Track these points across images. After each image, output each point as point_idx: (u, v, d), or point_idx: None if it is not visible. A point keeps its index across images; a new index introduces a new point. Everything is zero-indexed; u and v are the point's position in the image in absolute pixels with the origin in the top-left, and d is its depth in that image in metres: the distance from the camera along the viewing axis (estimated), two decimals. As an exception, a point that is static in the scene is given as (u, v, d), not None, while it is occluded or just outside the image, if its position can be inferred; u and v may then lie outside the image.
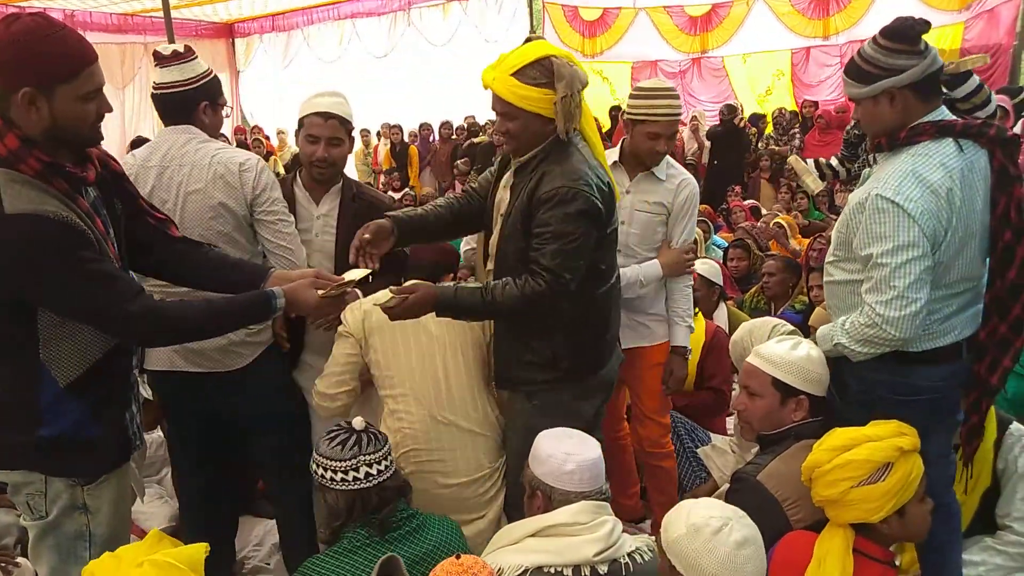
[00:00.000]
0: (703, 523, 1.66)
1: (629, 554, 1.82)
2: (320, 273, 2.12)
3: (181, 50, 2.52)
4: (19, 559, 2.74)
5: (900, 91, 2.04)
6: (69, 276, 1.68)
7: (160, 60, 2.50)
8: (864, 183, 2.14)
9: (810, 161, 4.44)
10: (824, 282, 2.32)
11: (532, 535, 1.83)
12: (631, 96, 2.80)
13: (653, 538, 1.98)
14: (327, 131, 2.54)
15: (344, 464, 1.91)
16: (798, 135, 9.74)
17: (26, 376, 1.77)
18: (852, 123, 3.80)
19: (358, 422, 1.97)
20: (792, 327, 3.12)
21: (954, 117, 2.11)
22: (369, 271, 2.17)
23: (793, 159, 4.66)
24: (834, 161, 4.10)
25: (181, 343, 2.18)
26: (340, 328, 2.47)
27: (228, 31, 14.13)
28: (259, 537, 3.24)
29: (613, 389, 2.61)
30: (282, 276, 2.13)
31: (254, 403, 2.56)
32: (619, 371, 2.72)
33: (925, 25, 2.04)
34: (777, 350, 2.26)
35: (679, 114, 2.80)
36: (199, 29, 13.48)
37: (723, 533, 1.64)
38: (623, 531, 1.87)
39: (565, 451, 1.89)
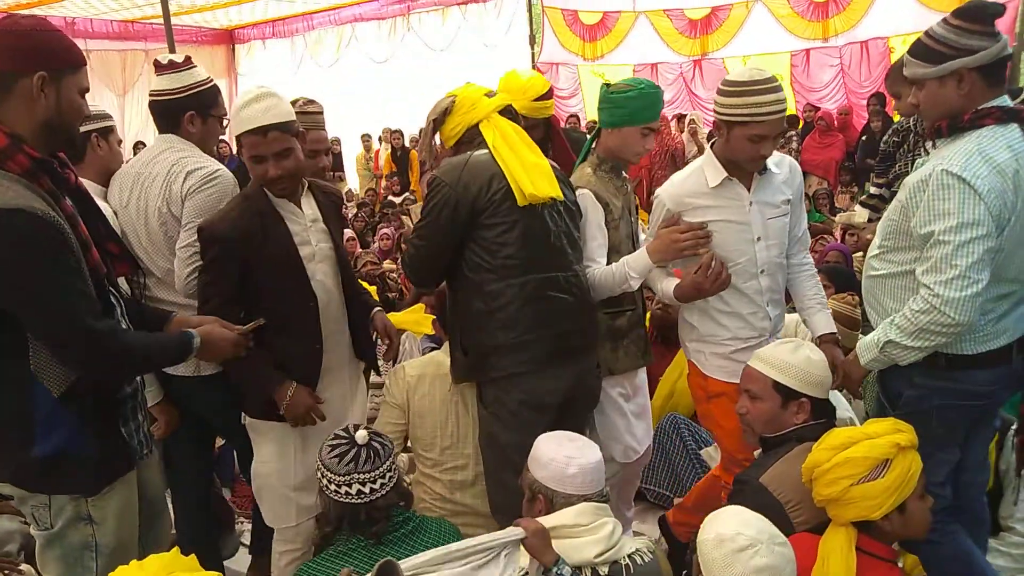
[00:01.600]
0: (730, 537, 1.65)
1: (629, 555, 1.83)
2: (220, 320, 2.15)
3: (179, 60, 2.57)
4: (22, 566, 2.74)
5: (969, 72, 1.97)
6: (46, 278, 1.66)
7: (158, 68, 2.56)
8: (919, 168, 2.06)
9: (858, 207, 4.26)
10: (865, 278, 2.22)
11: (533, 537, 1.83)
12: (723, 93, 2.38)
13: (653, 539, 1.99)
14: (271, 147, 2.22)
15: (338, 478, 1.90)
16: (795, 138, 9.74)
17: (19, 388, 1.75)
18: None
19: (361, 436, 1.95)
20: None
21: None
22: (263, 321, 2.22)
23: (839, 217, 4.48)
24: (872, 189, 3.89)
25: (120, 375, 1.95)
26: (386, 397, 2.67)
27: (228, 37, 14.17)
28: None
29: (576, 414, 2.51)
30: (182, 321, 2.12)
31: (219, 410, 2.61)
32: None
33: (1000, 8, 2.00)
34: (777, 353, 2.24)
35: (785, 108, 2.37)
36: (199, 35, 13.52)
37: (746, 554, 1.62)
38: (623, 533, 1.87)
39: (567, 455, 1.90)
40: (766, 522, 1.72)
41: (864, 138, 8.77)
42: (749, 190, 2.47)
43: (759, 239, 2.47)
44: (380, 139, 12.26)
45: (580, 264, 2.51)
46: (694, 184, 2.49)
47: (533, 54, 11.88)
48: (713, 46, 11.81)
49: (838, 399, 2.62)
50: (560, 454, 1.90)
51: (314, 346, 2.38)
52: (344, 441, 1.95)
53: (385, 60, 12.81)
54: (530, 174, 2.31)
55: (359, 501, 1.89)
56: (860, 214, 4.04)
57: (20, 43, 1.67)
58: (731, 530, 1.66)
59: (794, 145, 9.66)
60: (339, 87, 13.53)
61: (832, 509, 1.90)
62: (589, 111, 11.98)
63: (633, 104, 2.59)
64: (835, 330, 2.62)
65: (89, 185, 2.31)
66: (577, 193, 2.59)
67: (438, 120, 2.43)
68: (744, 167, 2.43)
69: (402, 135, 11.54)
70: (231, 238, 2.24)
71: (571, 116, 10.74)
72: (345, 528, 1.92)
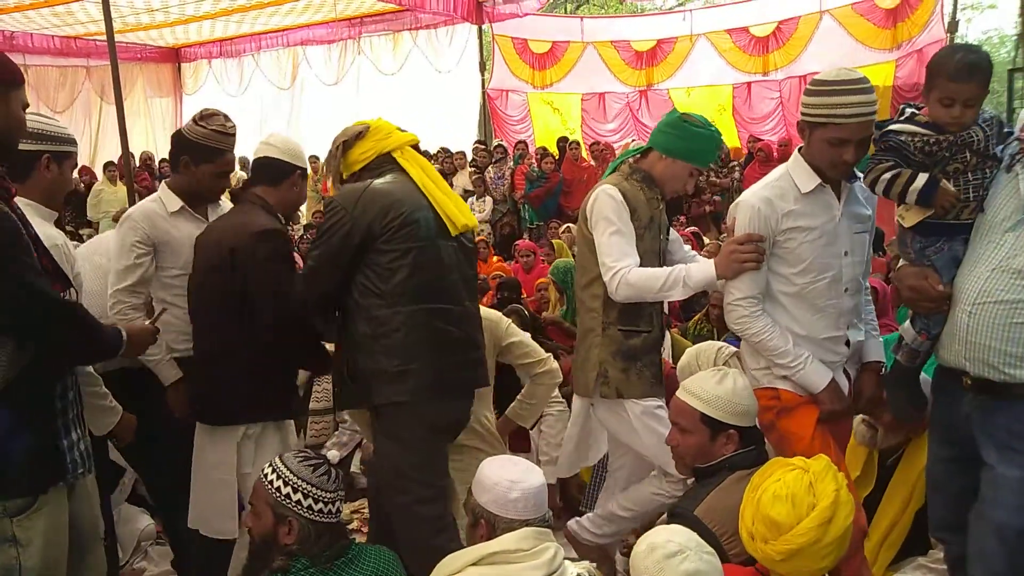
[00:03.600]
0: (660, 544, 1.67)
1: (571, 580, 1.83)
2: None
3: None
4: None
5: None
6: (16, 259, 1.78)
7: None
8: None
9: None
10: (1011, 322, 1.93)
11: (474, 564, 1.81)
12: (808, 92, 2.19)
13: (595, 564, 2.00)
14: None
15: (327, 495, 1.90)
16: (738, 168, 10.01)
17: None
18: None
19: (333, 456, 1.95)
20: (735, 349, 3.17)
21: None
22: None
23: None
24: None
25: (85, 349, 2.04)
26: None
27: (174, 56, 13.98)
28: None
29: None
30: None
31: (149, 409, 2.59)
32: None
33: None
34: (703, 384, 2.22)
35: (874, 112, 2.15)
36: (144, 53, 13.31)
37: (675, 559, 1.64)
38: (565, 557, 1.87)
39: (510, 479, 1.89)
40: (695, 534, 1.75)
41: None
42: (839, 200, 2.29)
43: (846, 253, 2.29)
44: (328, 161, 12.17)
45: (472, 301, 2.54)
46: (784, 188, 2.29)
47: (483, 81, 12.01)
48: (658, 77, 12.12)
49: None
50: (503, 478, 1.89)
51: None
52: (320, 461, 1.94)
53: (336, 83, 12.78)
54: (455, 203, 2.41)
55: (334, 520, 1.91)
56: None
57: None
58: (662, 538, 1.70)
59: (737, 175, 9.92)
60: (288, 109, 13.44)
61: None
62: (538, 138, 12.13)
63: (700, 143, 2.56)
64: (883, 359, 2.44)
65: (34, 207, 2.29)
66: (599, 190, 2.56)
67: (348, 143, 2.44)
68: (826, 174, 2.24)
69: (351, 158, 11.47)
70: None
71: (519, 143, 10.84)
72: (298, 553, 1.88)
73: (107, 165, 10.40)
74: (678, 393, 2.28)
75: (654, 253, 2.60)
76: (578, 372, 2.71)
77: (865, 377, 2.44)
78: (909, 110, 2.16)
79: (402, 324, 2.31)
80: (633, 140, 11.06)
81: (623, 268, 2.46)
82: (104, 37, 6.50)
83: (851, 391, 2.43)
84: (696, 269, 2.42)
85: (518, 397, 3.15)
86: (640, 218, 2.54)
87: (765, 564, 1.88)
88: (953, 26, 9.04)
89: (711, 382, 2.21)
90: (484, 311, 3.03)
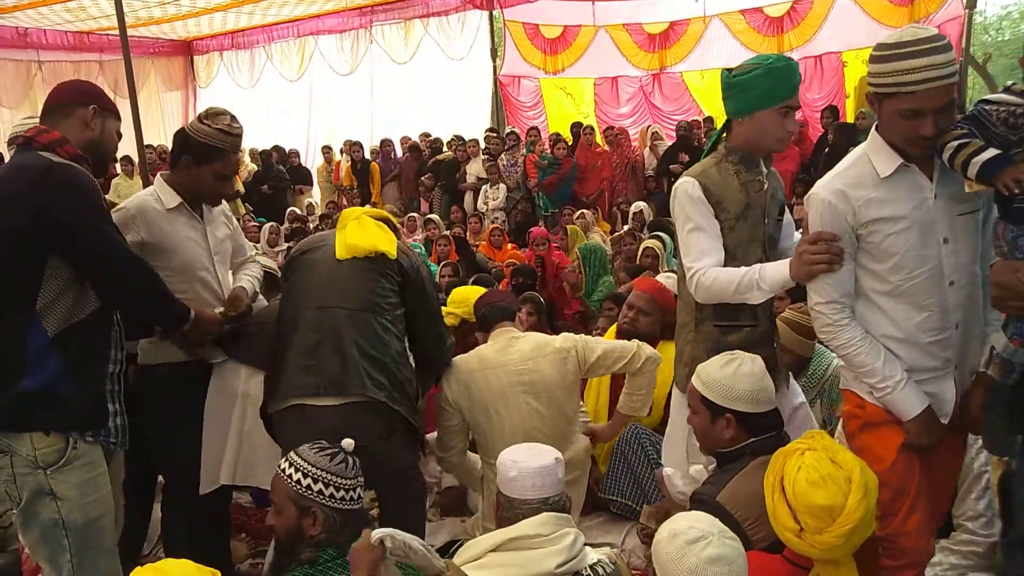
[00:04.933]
0: (683, 530, 1.68)
1: (591, 566, 1.84)
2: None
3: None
4: None
5: None
6: (102, 214, 2.12)
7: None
8: None
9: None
10: None
11: (494, 550, 1.84)
12: (872, 59, 1.91)
13: (616, 551, 2.01)
14: None
15: (347, 482, 1.93)
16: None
17: (22, 324, 1.98)
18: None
19: (348, 444, 1.98)
20: None
21: None
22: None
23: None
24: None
25: (147, 309, 2.32)
26: (441, 402, 2.93)
27: (187, 48, 14.02)
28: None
29: (383, 497, 2.61)
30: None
31: (150, 405, 2.61)
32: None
33: None
34: (708, 367, 2.20)
35: (953, 74, 1.84)
36: (156, 47, 13.36)
37: (698, 545, 1.64)
38: (585, 544, 1.88)
39: (513, 459, 1.95)
40: (717, 520, 1.75)
41: (827, 150, 8.90)
42: (931, 179, 1.98)
43: (946, 241, 1.97)
44: (341, 151, 12.19)
45: (366, 312, 2.55)
46: (860, 174, 2.01)
47: (495, 67, 11.96)
48: (671, 60, 12.00)
49: (795, 391, 2.60)
50: (508, 458, 1.96)
51: None
52: (336, 450, 1.97)
53: (349, 72, 12.77)
54: (365, 232, 2.67)
55: (356, 507, 1.95)
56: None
57: (81, 87, 2.32)
58: (683, 525, 1.70)
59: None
60: (301, 100, 13.45)
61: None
62: (551, 124, 12.08)
63: (763, 83, 2.24)
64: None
65: None
66: (677, 183, 2.37)
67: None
68: (906, 150, 1.95)
69: (361, 147, 11.46)
70: None
71: (532, 129, 10.79)
72: (325, 543, 1.90)
73: (124, 159, 10.47)
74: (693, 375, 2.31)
75: (755, 241, 2.35)
76: (676, 366, 2.59)
77: (975, 389, 2.08)
78: (1010, 83, 1.97)
79: (280, 331, 2.62)
80: (648, 125, 11.03)
81: (699, 270, 2.28)
82: (117, 31, 6.52)
83: (958, 406, 2.10)
84: (770, 270, 2.17)
85: (624, 391, 3.09)
86: (728, 208, 2.30)
87: (824, 555, 1.85)
88: (972, 2, 8.86)
89: (716, 365, 2.20)
90: (554, 340, 2.99)
